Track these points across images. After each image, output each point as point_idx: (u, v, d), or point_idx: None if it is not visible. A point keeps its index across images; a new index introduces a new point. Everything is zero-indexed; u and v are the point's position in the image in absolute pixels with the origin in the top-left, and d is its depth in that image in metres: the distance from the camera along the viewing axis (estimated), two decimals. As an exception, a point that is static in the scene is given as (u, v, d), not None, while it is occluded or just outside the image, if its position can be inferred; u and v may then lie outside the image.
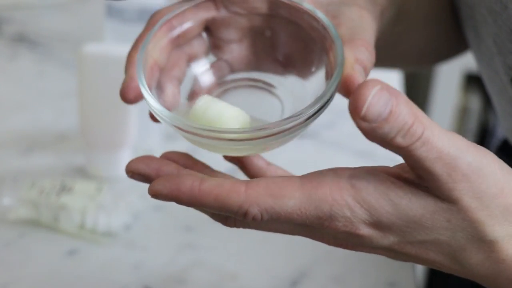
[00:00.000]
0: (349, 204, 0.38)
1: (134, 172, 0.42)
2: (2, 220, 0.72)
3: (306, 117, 0.40)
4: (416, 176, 0.39)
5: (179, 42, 0.47)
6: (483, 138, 1.47)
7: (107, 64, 0.75)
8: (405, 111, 0.36)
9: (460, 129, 1.52)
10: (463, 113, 1.51)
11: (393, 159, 0.86)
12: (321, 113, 0.41)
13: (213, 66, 0.49)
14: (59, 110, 0.91)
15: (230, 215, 0.40)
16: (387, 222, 0.39)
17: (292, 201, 0.38)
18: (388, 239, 0.40)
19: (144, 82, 0.43)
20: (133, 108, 0.78)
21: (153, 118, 0.45)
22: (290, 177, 0.39)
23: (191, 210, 0.71)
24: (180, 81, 0.47)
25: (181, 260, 0.70)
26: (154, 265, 0.69)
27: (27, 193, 0.72)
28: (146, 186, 0.81)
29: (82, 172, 0.80)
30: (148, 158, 0.42)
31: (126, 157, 0.80)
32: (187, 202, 0.39)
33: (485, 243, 0.40)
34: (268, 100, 0.48)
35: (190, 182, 0.39)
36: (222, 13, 0.47)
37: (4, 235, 0.71)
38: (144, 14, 0.89)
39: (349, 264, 0.70)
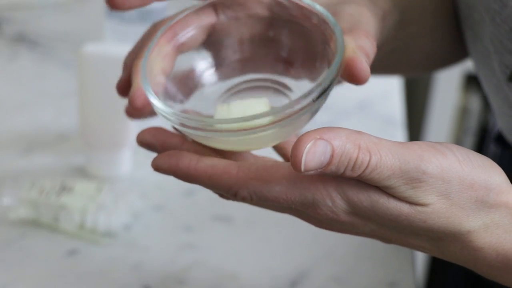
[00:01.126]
0: (330, 195, 0.41)
1: (143, 142, 0.46)
2: (2, 220, 0.72)
3: (316, 94, 0.41)
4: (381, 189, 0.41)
5: (183, 48, 0.47)
6: (483, 138, 1.47)
7: (107, 64, 0.75)
8: (347, 147, 0.38)
9: (460, 129, 1.52)
10: (463, 113, 1.51)
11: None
12: (329, 91, 0.42)
13: (217, 71, 0.49)
14: (59, 110, 0.91)
15: (222, 193, 0.43)
16: (365, 215, 0.41)
17: (279, 187, 0.41)
18: (368, 227, 0.42)
19: (151, 90, 0.43)
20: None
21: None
22: (281, 164, 0.42)
23: (191, 210, 0.71)
24: (189, 89, 0.48)
25: (181, 260, 0.70)
26: (154, 265, 0.69)
27: (27, 193, 0.72)
28: (146, 186, 0.82)
29: (82, 172, 0.80)
30: (155, 130, 0.45)
31: (126, 157, 0.80)
32: (183, 178, 0.43)
33: (462, 234, 0.42)
34: (279, 101, 0.48)
35: (187, 160, 0.42)
36: (222, 18, 0.48)
37: (4, 235, 0.71)
38: (144, 14, 0.89)
39: (349, 264, 0.70)
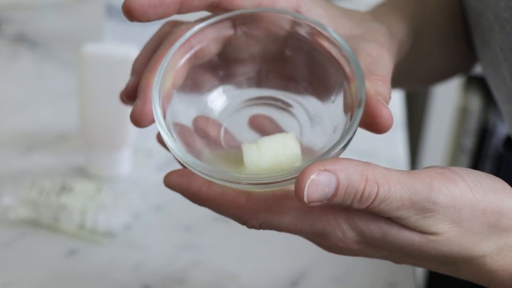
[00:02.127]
0: (341, 227, 0.40)
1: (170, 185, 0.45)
2: (2, 220, 0.72)
3: (334, 152, 0.41)
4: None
5: (196, 61, 0.47)
6: (483, 138, 1.47)
7: (107, 64, 0.75)
8: (354, 179, 0.38)
9: (460, 129, 1.52)
10: (463, 113, 1.51)
11: (393, 160, 0.86)
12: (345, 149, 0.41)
13: (225, 84, 0.49)
14: (59, 110, 0.91)
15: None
16: (376, 244, 0.41)
17: (288, 218, 0.41)
18: (380, 253, 0.42)
19: (166, 129, 0.42)
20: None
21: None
22: (290, 194, 0.41)
23: (191, 210, 0.71)
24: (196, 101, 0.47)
25: (181, 260, 0.70)
26: (154, 265, 0.69)
27: (27, 193, 0.72)
28: (146, 186, 0.81)
29: (82, 172, 0.80)
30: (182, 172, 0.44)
31: (126, 157, 0.80)
32: (192, 200, 0.43)
33: (475, 258, 0.41)
34: (286, 120, 0.48)
35: (198, 185, 0.42)
36: (239, 33, 0.47)
37: (4, 235, 0.71)
38: (144, 14, 0.89)
39: (349, 264, 0.69)
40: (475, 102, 1.49)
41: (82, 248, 0.70)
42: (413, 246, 0.40)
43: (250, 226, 0.42)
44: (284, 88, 0.48)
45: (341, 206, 0.39)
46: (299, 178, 0.38)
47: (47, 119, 0.89)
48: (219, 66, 0.48)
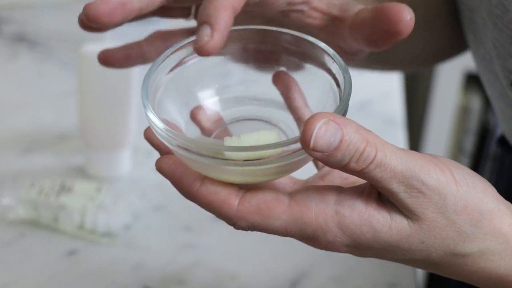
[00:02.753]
0: (332, 230, 0.41)
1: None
2: (2, 220, 0.72)
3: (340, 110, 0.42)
4: (382, 193, 0.41)
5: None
6: (483, 138, 1.47)
7: (107, 64, 0.75)
8: (356, 138, 0.39)
9: (460, 129, 1.52)
10: (463, 113, 1.51)
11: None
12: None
13: (215, 96, 0.49)
14: (59, 110, 0.91)
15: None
16: (366, 245, 0.42)
17: (279, 222, 0.41)
18: (368, 254, 0.43)
19: (151, 107, 0.42)
20: (133, 108, 0.78)
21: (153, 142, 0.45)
22: (279, 198, 0.41)
23: (191, 210, 0.71)
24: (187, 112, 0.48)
25: (181, 260, 0.70)
26: (154, 265, 0.69)
27: (26, 193, 0.72)
28: (146, 186, 0.81)
29: (81, 172, 0.80)
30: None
31: (125, 157, 0.80)
32: (183, 194, 0.42)
33: (457, 257, 0.42)
34: (272, 130, 0.48)
35: (191, 179, 0.42)
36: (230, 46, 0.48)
37: (4, 235, 0.71)
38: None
39: (349, 264, 0.69)
40: (476, 102, 1.49)
41: (82, 248, 0.70)
42: (401, 240, 0.41)
43: (238, 227, 0.42)
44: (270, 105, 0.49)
45: (337, 164, 0.39)
46: (308, 121, 0.38)
47: (47, 119, 0.89)
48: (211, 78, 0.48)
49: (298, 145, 0.39)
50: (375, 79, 1.06)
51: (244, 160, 0.40)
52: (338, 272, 0.69)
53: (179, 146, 0.40)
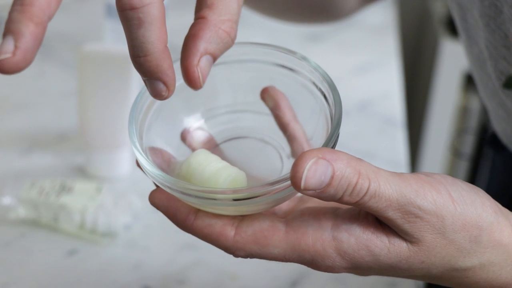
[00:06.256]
0: (330, 256, 0.41)
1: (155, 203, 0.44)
2: (2, 220, 0.72)
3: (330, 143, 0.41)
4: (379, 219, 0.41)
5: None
6: (483, 138, 1.47)
7: (107, 64, 0.75)
8: (348, 171, 0.38)
9: (460, 129, 1.52)
10: (463, 113, 1.51)
11: (393, 161, 0.86)
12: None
13: (204, 116, 0.49)
14: (59, 110, 0.91)
15: None
16: (366, 268, 0.42)
17: (277, 250, 0.41)
18: (368, 274, 0.43)
19: (136, 140, 0.42)
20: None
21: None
22: (276, 225, 0.41)
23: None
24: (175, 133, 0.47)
25: (181, 260, 0.70)
26: (154, 265, 0.69)
27: (27, 193, 0.72)
28: (146, 186, 0.81)
29: (82, 172, 0.80)
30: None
31: (125, 157, 0.80)
32: (179, 227, 0.43)
33: (458, 271, 0.42)
34: (264, 149, 0.48)
35: (186, 213, 0.42)
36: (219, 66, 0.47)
37: (4, 235, 0.71)
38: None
39: (349, 264, 0.69)
40: (475, 102, 1.49)
41: (82, 248, 0.70)
42: (401, 262, 0.41)
43: (237, 256, 0.42)
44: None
45: (331, 199, 0.39)
46: (297, 162, 0.38)
47: (47, 119, 0.89)
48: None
49: (289, 182, 0.39)
50: (375, 79, 1.06)
51: (234, 200, 0.40)
52: (338, 272, 0.69)
53: (170, 188, 0.41)
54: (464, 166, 1.53)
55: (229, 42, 0.40)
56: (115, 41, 0.91)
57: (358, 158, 0.39)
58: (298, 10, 0.74)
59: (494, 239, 0.42)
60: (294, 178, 0.38)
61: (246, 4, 0.71)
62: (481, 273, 0.43)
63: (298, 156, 0.38)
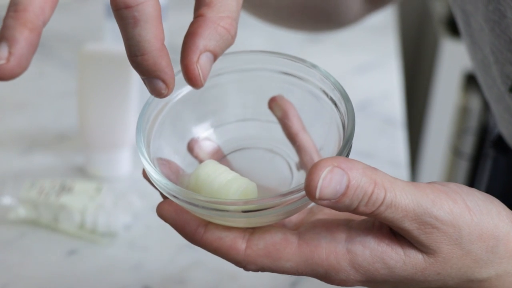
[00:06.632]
0: (344, 269, 0.40)
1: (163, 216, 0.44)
2: (2, 220, 0.72)
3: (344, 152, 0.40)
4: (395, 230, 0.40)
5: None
6: (483, 138, 1.47)
7: (107, 64, 0.75)
8: (363, 181, 0.37)
9: (460, 128, 1.52)
10: (463, 113, 1.51)
11: (393, 161, 0.86)
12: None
13: (213, 125, 0.48)
14: (59, 110, 0.91)
15: None
16: (381, 280, 0.41)
17: (289, 264, 0.40)
18: (383, 287, 0.42)
19: (144, 150, 0.42)
20: (133, 108, 0.78)
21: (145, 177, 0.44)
22: (288, 238, 0.40)
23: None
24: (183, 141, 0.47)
25: (181, 260, 0.70)
26: (154, 265, 0.69)
27: (27, 193, 0.72)
28: (146, 186, 0.81)
29: (82, 172, 0.80)
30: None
31: (125, 157, 0.80)
32: (188, 240, 0.42)
33: (474, 282, 0.42)
34: (273, 159, 0.47)
35: (195, 226, 0.41)
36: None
37: (4, 235, 0.71)
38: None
39: (349, 264, 0.69)
40: (475, 102, 1.49)
41: (82, 248, 0.70)
42: (416, 274, 0.40)
43: (248, 270, 0.41)
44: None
45: (346, 209, 0.38)
46: (312, 171, 0.37)
47: (47, 119, 0.89)
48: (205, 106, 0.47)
49: (301, 193, 0.38)
50: (375, 79, 1.06)
51: (244, 211, 0.39)
52: (338, 272, 0.69)
53: (178, 199, 0.40)
54: (464, 166, 1.53)
55: (229, 39, 0.39)
56: (115, 41, 0.91)
57: (373, 168, 0.38)
58: (302, 17, 0.73)
59: (510, 249, 0.41)
60: (308, 187, 0.37)
61: (250, 11, 0.71)
62: (497, 283, 0.42)
63: (312, 165, 0.37)
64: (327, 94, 0.44)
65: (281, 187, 0.46)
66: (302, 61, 0.45)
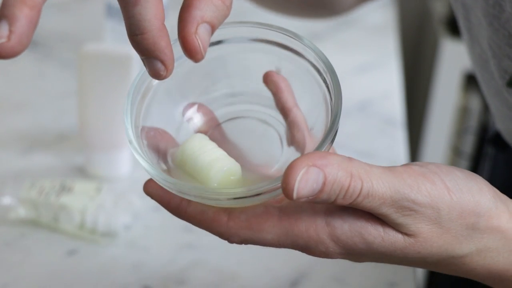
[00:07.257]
0: (323, 242, 0.41)
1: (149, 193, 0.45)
2: (2, 220, 0.72)
3: (324, 148, 0.41)
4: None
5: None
6: (483, 137, 1.47)
7: (107, 64, 0.75)
8: (339, 175, 0.38)
9: (460, 129, 1.52)
10: (463, 113, 1.51)
11: (393, 161, 0.86)
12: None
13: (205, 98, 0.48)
14: (59, 110, 0.91)
15: None
16: (360, 254, 0.42)
17: (270, 235, 0.41)
18: (364, 260, 0.43)
19: (137, 146, 0.43)
20: (133, 108, 0.78)
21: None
22: (269, 211, 0.41)
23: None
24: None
25: (181, 260, 0.70)
26: (154, 265, 0.69)
27: (27, 193, 0.72)
28: (146, 186, 0.80)
29: (82, 172, 0.80)
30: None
31: (125, 157, 0.80)
32: (173, 214, 0.43)
33: (455, 259, 0.42)
34: (264, 131, 0.48)
35: (178, 200, 0.43)
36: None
37: (4, 235, 0.71)
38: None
39: (349, 264, 0.69)
40: (475, 102, 1.49)
41: (82, 248, 0.70)
42: (396, 251, 0.41)
43: (231, 242, 0.42)
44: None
45: (324, 203, 0.39)
46: (288, 173, 0.37)
47: (47, 119, 0.89)
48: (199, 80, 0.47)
49: (279, 191, 0.39)
50: (375, 79, 1.06)
51: (230, 199, 0.40)
52: (338, 272, 0.69)
53: (169, 187, 0.41)
54: (464, 165, 1.53)
55: (225, 10, 0.39)
56: (115, 41, 0.91)
57: (348, 158, 0.39)
58: (300, 4, 0.74)
59: (491, 225, 0.42)
60: (285, 190, 0.38)
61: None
62: (478, 259, 0.42)
63: (288, 166, 0.38)
64: (321, 75, 0.45)
65: (269, 164, 0.46)
66: (299, 38, 0.45)
